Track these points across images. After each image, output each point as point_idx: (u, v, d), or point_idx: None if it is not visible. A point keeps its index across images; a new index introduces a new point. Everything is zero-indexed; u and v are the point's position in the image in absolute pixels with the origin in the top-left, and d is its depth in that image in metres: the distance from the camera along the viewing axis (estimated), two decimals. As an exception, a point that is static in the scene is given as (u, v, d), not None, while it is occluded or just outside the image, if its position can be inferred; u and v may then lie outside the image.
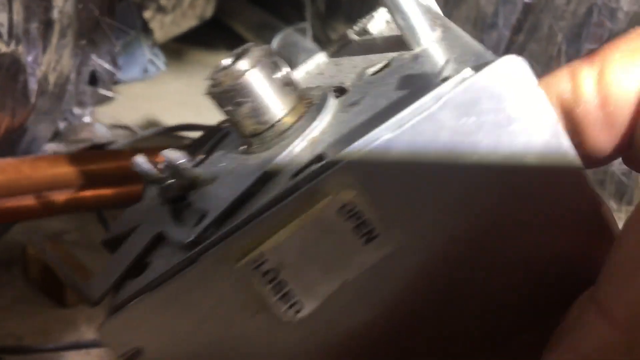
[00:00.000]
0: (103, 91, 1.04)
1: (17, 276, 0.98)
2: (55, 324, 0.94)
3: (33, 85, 0.82)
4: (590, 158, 0.25)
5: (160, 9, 1.25)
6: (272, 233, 0.22)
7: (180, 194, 0.28)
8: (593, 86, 0.24)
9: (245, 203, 0.25)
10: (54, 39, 0.82)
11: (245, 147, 0.28)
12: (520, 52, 1.06)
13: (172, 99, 1.31)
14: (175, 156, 0.27)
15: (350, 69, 0.30)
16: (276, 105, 0.27)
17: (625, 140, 0.24)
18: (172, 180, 0.27)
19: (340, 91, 0.28)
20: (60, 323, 0.95)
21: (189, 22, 1.41)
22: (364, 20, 0.33)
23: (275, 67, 0.27)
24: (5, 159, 0.86)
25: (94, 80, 1.03)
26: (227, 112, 0.27)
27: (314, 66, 0.34)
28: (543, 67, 1.02)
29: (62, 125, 1.05)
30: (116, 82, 1.11)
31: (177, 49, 1.46)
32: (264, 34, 1.48)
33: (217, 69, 0.27)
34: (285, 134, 0.26)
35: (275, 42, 1.43)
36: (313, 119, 0.26)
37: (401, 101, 0.22)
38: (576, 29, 0.98)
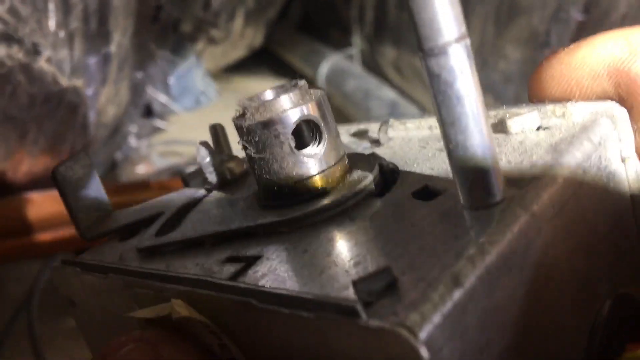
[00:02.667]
0: (158, 122, 1.07)
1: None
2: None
3: (92, 118, 0.84)
4: None
5: (211, 41, 1.27)
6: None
7: (210, 187, 0.29)
8: None
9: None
10: (112, 72, 0.84)
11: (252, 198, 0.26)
12: (575, 70, 1.04)
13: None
14: (203, 154, 0.29)
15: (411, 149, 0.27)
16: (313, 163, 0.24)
17: None
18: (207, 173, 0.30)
19: (391, 173, 0.25)
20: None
21: (238, 52, 1.44)
22: (507, 110, 0.26)
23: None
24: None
25: (149, 111, 1.06)
26: (248, 151, 0.24)
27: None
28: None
29: (119, 156, 1.07)
30: (170, 113, 1.14)
31: (228, 79, 1.48)
32: (312, 61, 1.49)
33: (257, 99, 0.24)
34: (317, 203, 0.23)
35: (324, 69, 1.44)
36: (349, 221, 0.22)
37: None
38: (634, 45, 0.95)
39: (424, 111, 1.38)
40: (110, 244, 0.30)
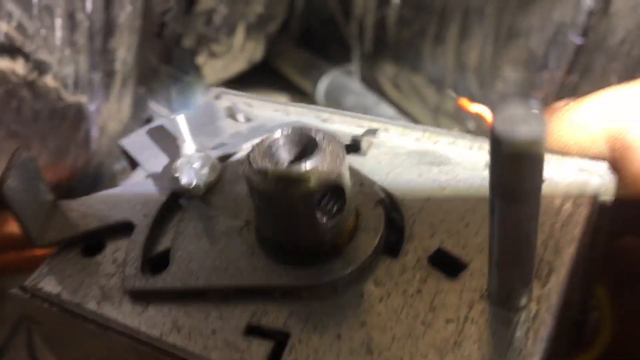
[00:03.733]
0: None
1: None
2: None
3: (95, 132, 0.85)
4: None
5: (212, 54, 1.28)
6: None
7: (171, 196, 0.28)
8: None
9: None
10: (116, 88, 0.85)
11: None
12: (573, 93, 1.05)
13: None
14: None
15: None
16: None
17: None
18: (180, 179, 0.27)
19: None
20: None
21: (239, 66, 1.44)
22: None
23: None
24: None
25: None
26: (261, 206, 0.23)
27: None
28: (597, 108, 1.00)
29: (118, 167, 1.08)
30: (171, 127, 1.14)
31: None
32: (312, 76, 1.50)
33: (267, 157, 0.23)
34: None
35: (323, 84, 1.45)
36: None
37: None
38: (630, 70, 0.97)
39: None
40: (73, 259, 0.27)
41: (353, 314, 0.22)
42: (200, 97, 1.29)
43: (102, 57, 0.80)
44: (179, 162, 0.27)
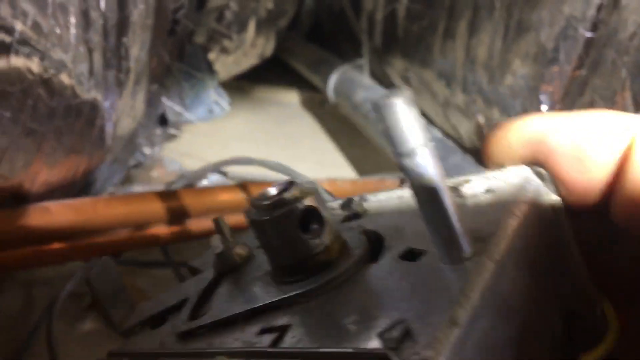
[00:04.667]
0: (172, 130, 1.09)
1: (88, 310, 1.03)
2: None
3: (109, 129, 0.86)
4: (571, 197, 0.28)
5: (224, 50, 1.29)
6: None
7: (222, 271, 0.34)
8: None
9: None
10: (129, 85, 0.86)
11: (272, 274, 0.31)
12: (582, 87, 1.05)
13: (231, 135, 1.35)
14: (216, 244, 0.34)
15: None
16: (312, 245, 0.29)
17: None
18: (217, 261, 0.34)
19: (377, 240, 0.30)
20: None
21: (250, 61, 1.45)
22: (459, 179, 0.32)
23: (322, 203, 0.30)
24: (82, 198, 0.90)
25: (163, 120, 1.08)
26: (262, 240, 0.29)
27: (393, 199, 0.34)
28: (607, 102, 1.00)
29: (131, 162, 1.09)
30: (184, 123, 1.16)
31: (239, 87, 1.50)
32: (322, 71, 1.51)
33: (264, 197, 0.29)
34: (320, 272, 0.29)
35: (333, 79, 1.46)
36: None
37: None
38: (641, 64, 0.97)
39: (431, 123, 1.40)
40: (142, 334, 0.34)
41: (340, 301, 0.27)
42: (212, 94, 1.30)
43: (116, 54, 0.82)
44: (217, 250, 0.34)
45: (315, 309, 0.27)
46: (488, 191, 0.29)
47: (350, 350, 0.22)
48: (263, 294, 0.30)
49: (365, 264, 0.29)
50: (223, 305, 0.31)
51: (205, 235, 0.93)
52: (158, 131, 1.07)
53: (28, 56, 0.72)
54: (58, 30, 0.74)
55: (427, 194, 0.24)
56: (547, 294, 0.28)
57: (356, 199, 0.34)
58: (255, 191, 0.95)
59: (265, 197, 0.29)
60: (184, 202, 0.93)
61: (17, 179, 0.82)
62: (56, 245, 0.86)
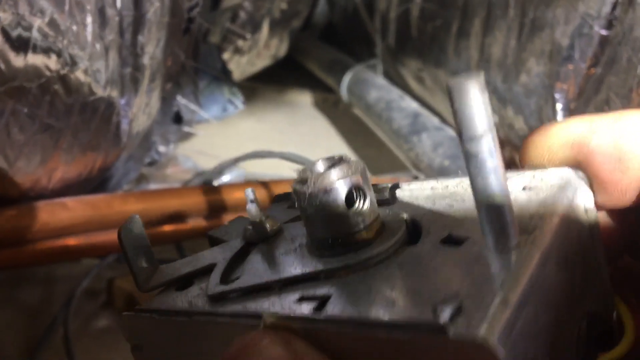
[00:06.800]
0: (186, 128, 1.09)
1: (104, 307, 1.03)
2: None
3: (125, 126, 0.87)
4: (605, 197, 0.29)
5: (237, 50, 1.30)
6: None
7: (252, 240, 0.34)
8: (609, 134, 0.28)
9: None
10: (145, 83, 0.87)
11: (309, 245, 0.31)
12: (598, 84, 1.04)
13: (245, 135, 1.36)
14: (254, 213, 0.34)
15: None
16: (356, 220, 0.29)
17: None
18: (250, 228, 0.34)
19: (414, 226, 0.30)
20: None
21: (263, 62, 1.46)
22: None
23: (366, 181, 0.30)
24: (98, 195, 0.91)
25: (178, 118, 1.09)
26: (306, 212, 0.29)
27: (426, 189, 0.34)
28: (623, 99, 1.00)
29: (148, 161, 1.10)
30: (198, 121, 1.16)
31: (252, 87, 1.51)
32: (335, 71, 1.51)
33: (308, 171, 0.29)
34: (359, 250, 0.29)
35: (347, 79, 1.46)
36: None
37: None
38: (657, 61, 0.96)
39: (444, 122, 1.39)
40: (167, 293, 0.34)
41: (383, 276, 0.27)
42: (227, 93, 1.30)
43: (132, 52, 0.82)
44: (255, 218, 0.34)
45: (356, 283, 0.27)
46: (526, 189, 0.29)
47: (404, 320, 0.23)
48: (299, 264, 0.30)
49: (405, 245, 0.29)
50: (256, 272, 0.31)
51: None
52: (173, 129, 1.07)
53: (46, 53, 0.73)
54: (75, 28, 0.75)
55: (486, 180, 0.23)
56: (576, 293, 0.28)
57: (388, 186, 0.34)
58: (275, 189, 0.96)
59: (313, 170, 0.29)
60: (198, 199, 0.93)
61: (35, 175, 0.83)
62: (72, 241, 0.87)
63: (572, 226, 0.27)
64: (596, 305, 0.30)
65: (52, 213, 0.84)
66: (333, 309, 0.26)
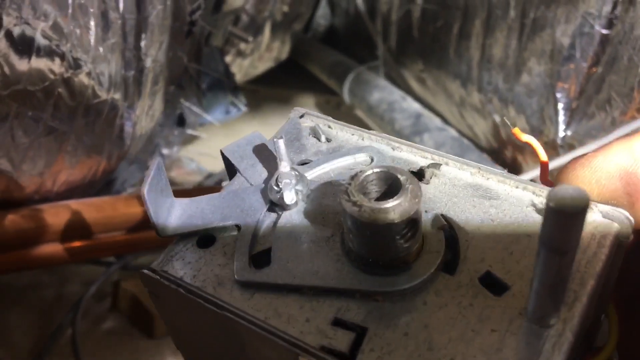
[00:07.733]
0: (190, 131, 1.10)
1: (109, 309, 1.04)
2: (144, 354, 0.99)
3: (128, 128, 0.87)
4: None
5: (240, 53, 1.30)
6: None
7: (271, 204, 0.32)
8: None
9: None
10: (148, 85, 0.87)
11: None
12: (599, 84, 1.05)
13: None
14: (284, 169, 0.32)
15: None
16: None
17: None
18: (278, 193, 0.32)
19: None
20: (148, 354, 0.99)
21: (265, 64, 1.47)
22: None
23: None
24: (102, 197, 0.92)
25: (181, 121, 1.09)
26: (351, 230, 0.28)
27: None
28: (624, 99, 1.00)
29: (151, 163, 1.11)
30: (201, 124, 1.17)
31: (254, 90, 1.52)
32: (337, 73, 1.52)
33: (361, 194, 0.28)
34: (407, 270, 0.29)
35: (349, 81, 1.47)
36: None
37: None
38: (658, 59, 0.96)
39: (446, 123, 1.40)
40: (190, 249, 0.32)
41: (418, 317, 0.27)
42: (229, 96, 1.30)
43: (135, 55, 0.83)
44: (278, 178, 0.32)
45: (392, 317, 0.27)
46: None
47: None
48: (335, 273, 0.29)
49: (443, 274, 0.28)
50: (291, 266, 0.30)
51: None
52: (176, 132, 1.08)
53: (49, 56, 0.74)
54: (78, 31, 0.75)
55: (559, 275, 0.24)
56: (596, 304, 0.29)
57: (429, 164, 0.33)
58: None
59: (367, 192, 0.28)
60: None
61: (40, 178, 0.83)
62: (77, 243, 0.88)
63: (611, 260, 0.28)
64: (600, 311, 0.31)
65: (57, 215, 0.85)
66: (370, 352, 0.26)
